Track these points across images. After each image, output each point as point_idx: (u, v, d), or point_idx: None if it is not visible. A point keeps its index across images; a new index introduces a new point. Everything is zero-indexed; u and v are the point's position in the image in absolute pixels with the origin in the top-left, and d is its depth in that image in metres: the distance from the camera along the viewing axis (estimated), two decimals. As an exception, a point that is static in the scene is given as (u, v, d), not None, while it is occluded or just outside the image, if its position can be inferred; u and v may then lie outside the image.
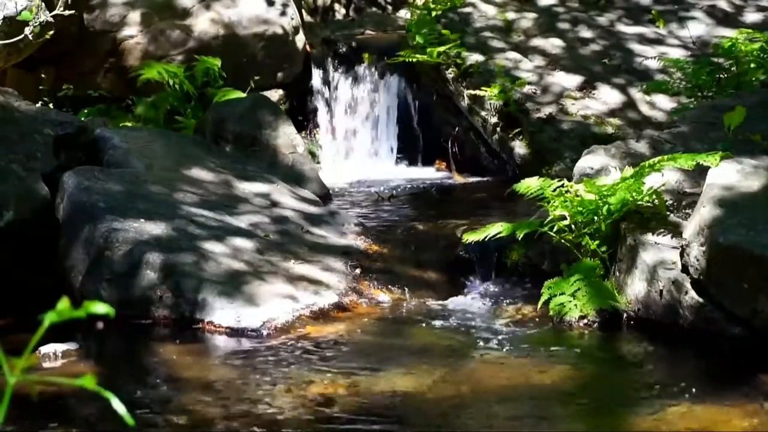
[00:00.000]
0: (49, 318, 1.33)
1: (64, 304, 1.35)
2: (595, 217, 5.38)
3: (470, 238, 5.59)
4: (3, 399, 1.34)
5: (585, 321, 5.12)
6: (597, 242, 5.33)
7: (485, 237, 5.51)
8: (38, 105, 7.25)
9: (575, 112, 8.04)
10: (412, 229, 6.68)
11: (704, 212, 4.83)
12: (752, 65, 7.34)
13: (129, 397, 4.32)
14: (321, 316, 5.30)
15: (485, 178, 8.51)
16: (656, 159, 5.28)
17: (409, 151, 9.14)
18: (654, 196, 5.26)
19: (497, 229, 5.51)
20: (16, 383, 1.34)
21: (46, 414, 4.13)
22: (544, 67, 8.64)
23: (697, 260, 4.78)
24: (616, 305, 5.13)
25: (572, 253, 5.47)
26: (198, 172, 6.54)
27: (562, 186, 5.45)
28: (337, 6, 11.41)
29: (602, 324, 5.12)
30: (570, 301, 5.15)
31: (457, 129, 8.82)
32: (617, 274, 5.26)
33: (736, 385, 4.28)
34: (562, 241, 5.46)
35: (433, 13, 9.21)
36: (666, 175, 5.48)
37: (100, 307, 1.34)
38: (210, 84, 8.44)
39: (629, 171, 5.36)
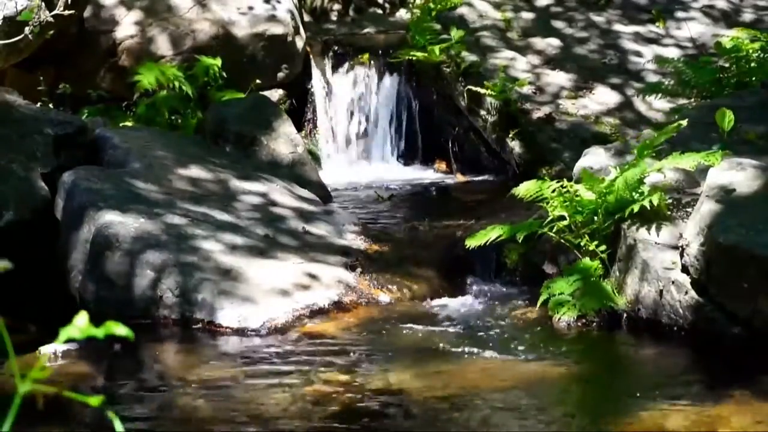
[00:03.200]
0: (67, 332, 1.32)
1: (83, 320, 1.33)
2: (595, 217, 5.38)
3: (471, 243, 5.60)
4: (11, 408, 1.34)
5: (583, 321, 5.12)
6: (596, 242, 5.33)
7: (486, 241, 5.52)
8: (38, 105, 7.24)
9: (574, 112, 8.05)
10: (412, 229, 6.68)
11: (704, 212, 4.83)
12: (752, 65, 7.34)
13: (129, 396, 4.33)
14: (320, 315, 5.31)
15: (485, 178, 8.50)
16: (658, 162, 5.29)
17: (409, 150, 9.13)
18: (655, 198, 5.25)
19: (497, 232, 5.52)
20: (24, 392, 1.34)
21: (46, 417, 4.13)
22: (542, 66, 8.64)
23: (697, 260, 4.78)
24: (615, 305, 5.13)
25: (572, 253, 5.47)
26: (198, 172, 6.54)
27: (562, 186, 5.46)
28: (336, 6, 11.41)
29: (601, 324, 5.12)
30: (569, 301, 5.15)
31: (457, 129, 8.82)
32: (617, 273, 5.26)
33: (736, 385, 4.28)
34: (562, 241, 5.46)
35: (433, 13, 9.21)
36: (666, 175, 5.48)
37: (121, 329, 1.34)
38: (210, 84, 8.44)
39: (629, 170, 5.36)
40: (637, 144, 6.07)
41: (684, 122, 5.61)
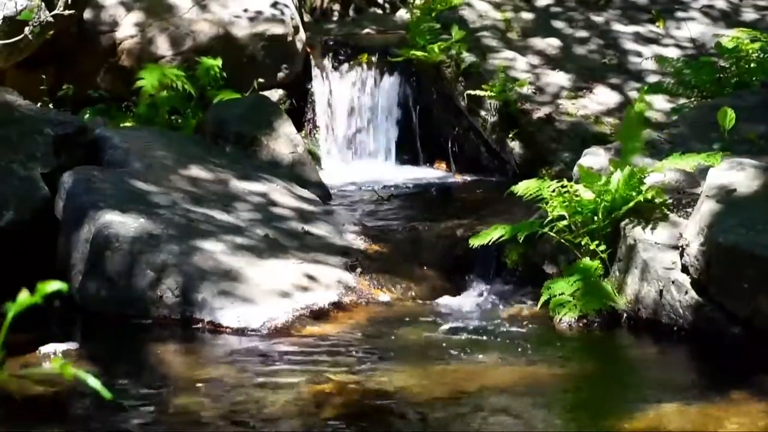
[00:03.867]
0: (12, 308, 1.35)
1: (23, 294, 1.36)
2: (595, 217, 5.38)
3: (475, 242, 5.60)
4: None
5: (584, 321, 5.12)
6: (596, 242, 5.33)
7: (489, 241, 5.52)
8: (38, 105, 7.24)
9: (574, 112, 8.05)
10: (412, 229, 6.68)
11: (704, 212, 4.83)
12: (752, 65, 7.34)
13: (129, 396, 4.32)
14: (320, 315, 5.31)
15: (485, 178, 8.50)
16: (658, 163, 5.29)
17: (408, 150, 9.13)
18: (654, 196, 5.26)
19: (499, 232, 5.52)
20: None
21: (44, 414, 4.13)
22: (542, 66, 8.64)
23: (697, 260, 4.78)
24: (616, 305, 5.13)
25: (572, 253, 5.47)
26: (198, 172, 6.54)
27: (562, 186, 5.46)
28: (336, 6, 11.41)
29: (601, 324, 5.12)
30: (569, 301, 5.15)
31: (457, 129, 8.82)
32: (617, 273, 5.26)
33: (736, 385, 4.28)
34: (562, 241, 5.46)
35: (433, 13, 9.21)
36: (666, 175, 5.49)
37: (53, 285, 1.36)
38: (210, 84, 8.43)
39: (628, 170, 5.36)
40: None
41: (644, 104, 5.61)
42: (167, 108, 8.22)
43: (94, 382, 1.39)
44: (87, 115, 8.08)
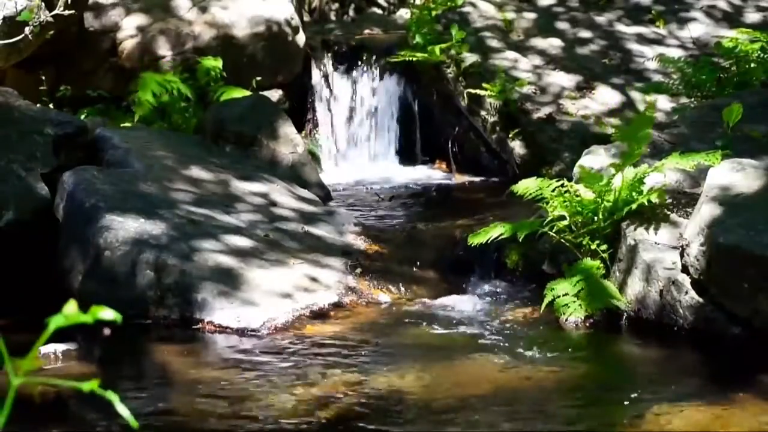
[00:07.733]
0: (55, 322, 1.32)
1: (71, 308, 1.33)
2: (595, 217, 5.38)
3: (474, 240, 5.60)
4: (6, 401, 1.33)
5: (591, 320, 5.12)
6: (597, 242, 5.33)
7: (488, 239, 5.52)
8: (38, 105, 7.24)
9: (575, 112, 8.05)
10: (412, 229, 6.68)
11: (704, 212, 4.83)
12: (752, 65, 7.34)
13: (129, 397, 4.32)
14: (320, 315, 5.31)
15: (485, 178, 8.50)
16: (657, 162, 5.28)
17: (408, 150, 9.13)
18: (654, 196, 5.26)
19: (499, 230, 5.52)
20: (18, 385, 1.33)
21: (47, 415, 4.13)
22: (543, 66, 8.64)
23: (697, 260, 4.78)
24: (620, 304, 5.13)
25: (572, 253, 5.47)
26: (198, 172, 6.54)
27: (562, 186, 5.46)
28: (336, 6, 11.41)
29: (604, 324, 5.12)
30: (574, 302, 5.14)
31: (457, 129, 8.82)
32: (617, 274, 5.26)
33: (737, 385, 4.28)
34: (562, 241, 5.46)
35: (433, 13, 9.21)
36: (666, 175, 5.48)
37: (108, 313, 1.33)
38: (211, 84, 8.43)
39: (629, 170, 5.36)
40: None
41: (653, 109, 5.58)
42: (169, 112, 8.21)
43: (121, 409, 1.38)
44: (86, 115, 8.07)
